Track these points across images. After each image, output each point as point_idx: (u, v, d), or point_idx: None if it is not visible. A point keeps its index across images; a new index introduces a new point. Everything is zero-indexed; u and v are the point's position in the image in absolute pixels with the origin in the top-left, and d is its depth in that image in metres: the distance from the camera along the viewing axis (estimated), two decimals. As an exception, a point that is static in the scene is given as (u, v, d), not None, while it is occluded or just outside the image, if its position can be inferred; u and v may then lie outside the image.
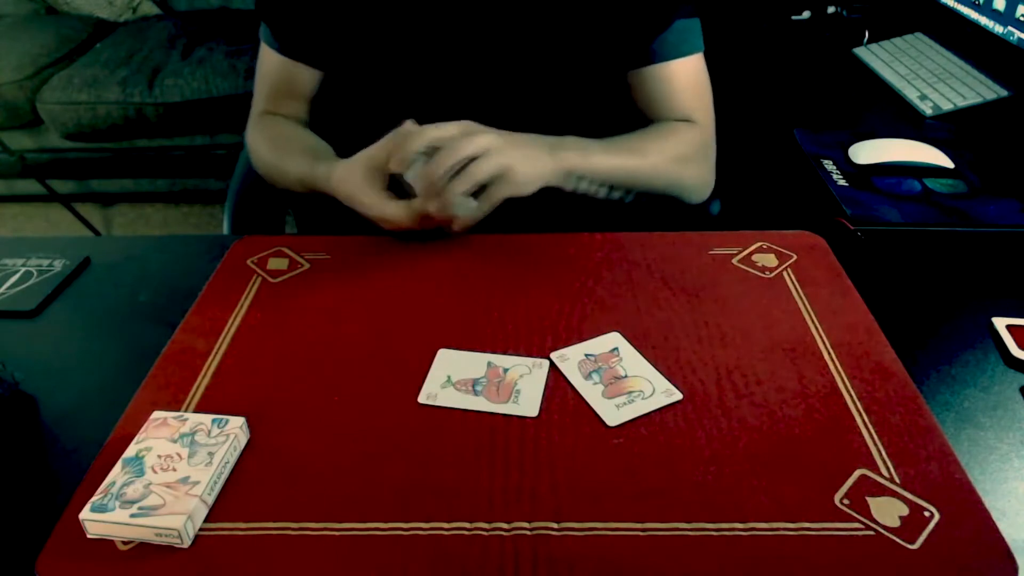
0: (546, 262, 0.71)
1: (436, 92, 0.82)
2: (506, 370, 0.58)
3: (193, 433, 0.51)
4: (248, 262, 0.72)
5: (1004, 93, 1.07)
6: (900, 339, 0.60)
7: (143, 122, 2.08)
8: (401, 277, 0.70)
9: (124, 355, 0.65)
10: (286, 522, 0.47)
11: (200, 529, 0.47)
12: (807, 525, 0.46)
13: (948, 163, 0.91)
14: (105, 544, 0.46)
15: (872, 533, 0.45)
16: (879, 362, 0.58)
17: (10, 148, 2.16)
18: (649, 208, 0.82)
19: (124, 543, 0.46)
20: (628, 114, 0.93)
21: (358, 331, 0.63)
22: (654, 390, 0.56)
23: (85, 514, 0.46)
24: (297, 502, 0.48)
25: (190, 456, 0.50)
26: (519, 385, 0.57)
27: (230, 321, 0.65)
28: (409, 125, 0.68)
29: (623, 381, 0.57)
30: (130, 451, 0.50)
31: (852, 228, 0.79)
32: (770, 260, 0.70)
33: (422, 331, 0.63)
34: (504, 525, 0.46)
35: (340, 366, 0.60)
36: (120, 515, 0.46)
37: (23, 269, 0.75)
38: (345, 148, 0.80)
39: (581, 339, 0.61)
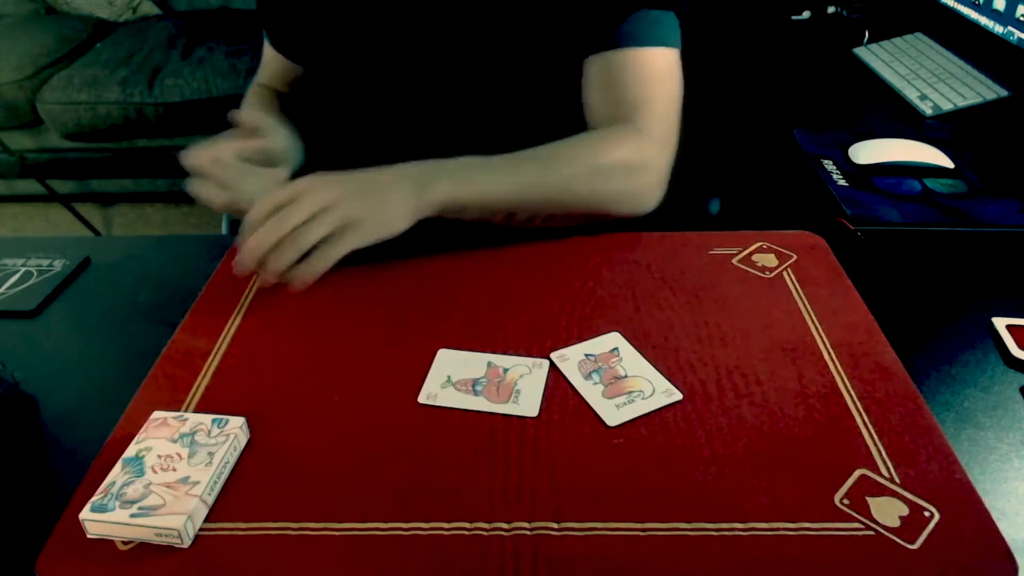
0: (546, 262, 0.71)
1: (410, 83, 0.83)
2: (506, 370, 0.58)
3: (193, 433, 0.51)
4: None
5: (1004, 93, 1.07)
6: (900, 339, 0.60)
7: (143, 122, 2.08)
8: (401, 277, 0.70)
9: (124, 355, 0.65)
10: (286, 522, 0.47)
11: (200, 529, 0.47)
12: (807, 525, 0.46)
13: (948, 163, 0.91)
14: (105, 544, 0.46)
15: (872, 533, 0.45)
16: (879, 362, 0.58)
17: (10, 148, 2.16)
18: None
19: (124, 543, 0.46)
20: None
21: (358, 331, 0.63)
22: (654, 390, 0.56)
23: (85, 514, 0.46)
24: (297, 502, 0.48)
25: (190, 456, 0.50)
26: (519, 385, 0.57)
27: (230, 321, 0.65)
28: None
29: (623, 381, 0.57)
30: (130, 451, 0.50)
31: (852, 228, 0.79)
32: (770, 260, 0.71)
33: (422, 331, 0.63)
34: (504, 525, 0.46)
35: (340, 366, 0.60)
36: (120, 515, 0.46)
37: (23, 269, 0.75)
38: (324, 142, 0.82)
39: (581, 339, 0.61)
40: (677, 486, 0.48)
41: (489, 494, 0.48)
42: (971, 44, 1.20)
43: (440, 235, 0.74)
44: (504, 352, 0.60)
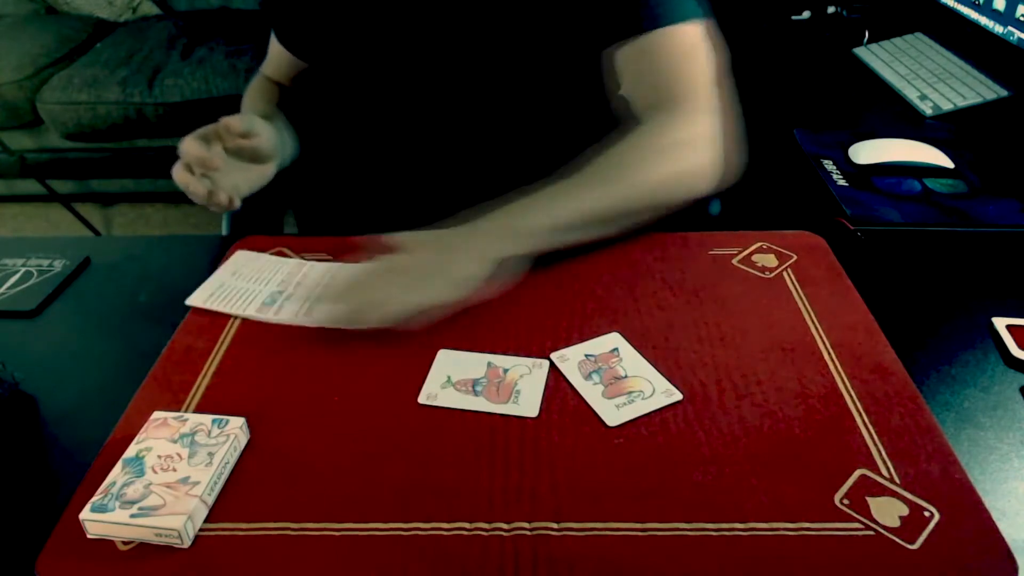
0: (546, 262, 0.71)
1: (418, 80, 0.83)
2: (506, 370, 0.58)
3: (193, 433, 0.51)
4: (248, 262, 0.72)
5: (1004, 93, 1.07)
6: (900, 339, 0.60)
7: (143, 122, 2.08)
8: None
9: (124, 355, 0.65)
10: (286, 522, 0.47)
11: (200, 529, 0.47)
12: (807, 525, 0.46)
13: (948, 163, 0.91)
14: (105, 544, 0.46)
15: (872, 533, 0.45)
16: (879, 362, 0.58)
17: (10, 148, 2.16)
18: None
19: (124, 543, 0.46)
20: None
21: (358, 331, 0.63)
22: (654, 390, 0.56)
23: (85, 514, 0.46)
24: (297, 502, 0.48)
25: (190, 456, 0.50)
26: (519, 385, 0.57)
27: (230, 321, 0.65)
28: None
29: (623, 381, 0.57)
30: (130, 451, 0.50)
31: (852, 228, 0.79)
32: (770, 260, 0.70)
33: (422, 331, 0.63)
34: (504, 525, 0.46)
35: (340, 366, 0.60)
36: (120, 515, 0.46)
37: (23, 269, 0.75)
38: (328, 136, 0.81)
39: (581, 339, 0.61)
40: (677, 486, 0.48)
41: (489, 494, 0.48)
42: (971, 44, 1.20)
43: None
44: (504, 352, 0.60)
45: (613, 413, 0.54)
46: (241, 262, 0.72)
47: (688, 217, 0.74)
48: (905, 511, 0.46)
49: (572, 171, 0.69)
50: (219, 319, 0.65)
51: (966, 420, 0.54)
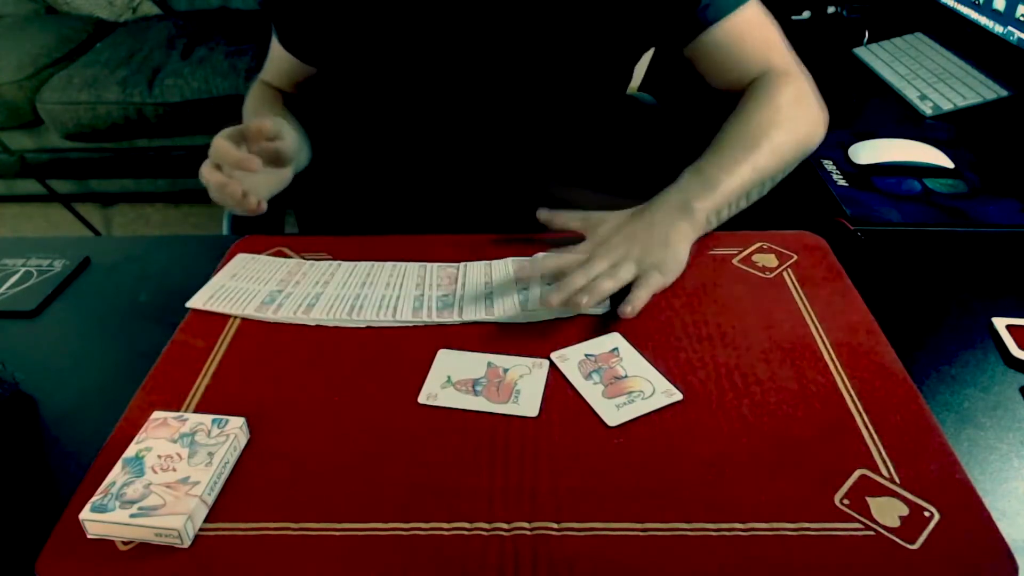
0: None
1: (446, 90, 0.82)
2: (506, 370, 0.58)
3: (193, 433, 0.51)
4: (248, 262, 0.72)
5: (1004, 93, 1.07)
6: (900, 339, 0.60)
7: (143, 122, 2.08)
8: (401, 277, 0.70)
9: (124, 355, 0.65)
10: (286, 522, 0.47)
11: (200, 529, 0.47)
12: (807, 525, 0.46)
13: (948, 163, 0.91)
14: (105, 544, 0.46)
15: (872, 533, 0.45)
16: (879, 362, 0.58)
17: (10, 148, 2.16)
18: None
19: (124, 543, 0.46)
20: (633, 111, 0.92)
21: (358, 331, 0.63)
22: (654, 390, 0.56)
23: (85, 514, 0.46)
24: (297, 502, 0.48)
25: (190, 456, 0.50)
26: (519, 385, 0.57)
27: (230, 321, 0.65)
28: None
29: (623, 381, 0.57)
30: (130, 451, 0.50)
31: (852, 228, 0.79)
32: (770, 260, 0.70)
33: (422, 331, 0.63)
34: (504, 525, 0.46)
35: (340, 366, 0.60)
36: (120, 515, 0.46)
37: (23, 269, 0.75)
38: (331, 138, 0.81)
39: (581, 339, 0.61)
40: (677, 486, 0.48)
41: (489, 494, 0.48)
42: (971, 44, 1.20)
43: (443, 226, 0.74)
44: (504, 352, 0.60)
45: (613, 413, 0.54)
46: (240, 264, 0.72)
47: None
48: (905, 511, 0.46)
49: (712, 145, 0.72)
50: (219, 319, 0.65)
51: (966, 420, 0.54)
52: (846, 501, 0.47)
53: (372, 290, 0.67)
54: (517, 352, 0.60)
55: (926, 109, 1.07)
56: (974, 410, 0.55)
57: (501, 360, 0.59)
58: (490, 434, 0.53)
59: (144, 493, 0.47)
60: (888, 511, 0.46)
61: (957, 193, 0.86)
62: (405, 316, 0.64)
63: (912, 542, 0.45)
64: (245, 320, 0.65)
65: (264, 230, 0.81)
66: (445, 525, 0.46)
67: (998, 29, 1.13)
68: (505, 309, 0.64)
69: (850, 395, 0.55)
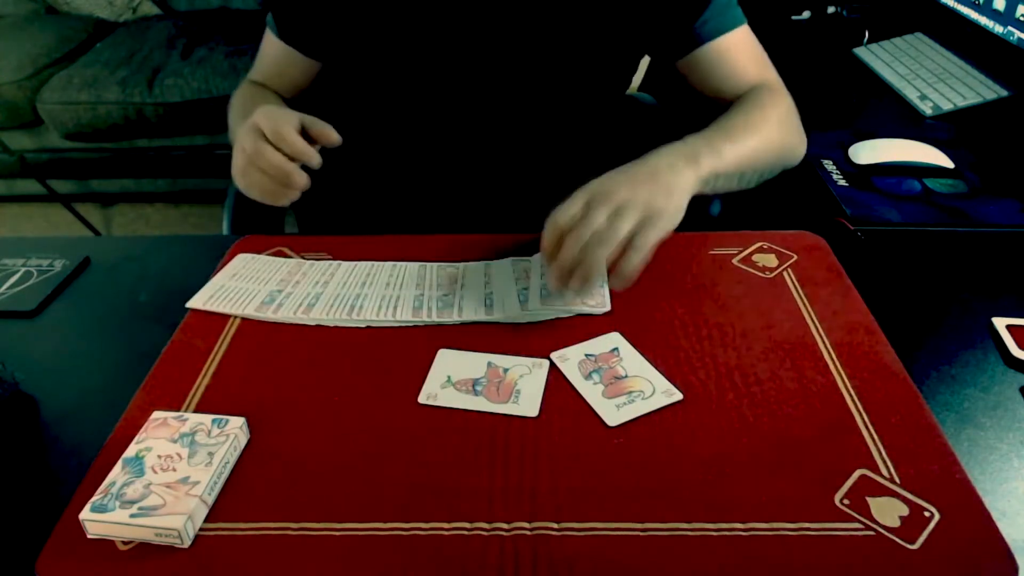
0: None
1: (447, 87, 0.81)
2: (506, 370, 0.58)
3: (193, 433, 0.51)
4: (248, 262, 0.72)
5: (1004, 93, 1.07)
6: (900, 339, 0.60)
7: (143, 122, 2.08)
8: (401, 277, 0.70)
9: (124, 355, 0.65)
10: (286, 522, 0.47)
11: (200, 529, 0.47)
12: (807, 525, 0.46)
13: (948, 163, 0.91)
14: (105, 544, 0.46)
15: (872, 533, 0.45)
16: (879, 362, 0.58)
17: (10, 148, 2.16)
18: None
19: (124, 543, 0.46)
20: (636, 115, 0.92)
21: (358, 331, 0.63)
22: (654, 390, 0.56)
23: (85, 514, 0.46)
24: (297, 502, 0.48)
25: (190, 456, 0.50)
26: (519, 385, 0.57)
27: (230, 321, 0.65)
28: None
29: (623, 381, 0.57)
30: (130, 451, 0.50)
31: (852, 228, 0.79)
32: (770, 260, 0.70)
33: (422, 331, 0.63)
34: (504, 525, 0.46)
35: (340, 366, 0.60)
36: (120, 515, 0.46)
37: (23, 269, 0.75)
38: (339, 145, 0.80)
39: (581, 339, 0.61)
40: (677, 486, 0.48)
41: (489, 494, 0.48)
42: (971, 44, 1.20)
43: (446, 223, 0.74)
44: (504, 352, 0.60)
45: (613, 413, 0.54)
46: (240, 264, 0.72)
47: (688, 217, 0.74)
48: (905, 511, 0.46)
49: (715, 123, 0.72)
50: (219, 319, 0.65)
51: (966, 420, 0.54)
52: (846, 501, 0.47)
53: (372, 290, 0.67)
54: (517, 352, 0.60)
55: (926, 109, 1.07)
56: (974, 410, 0.55)
57: (501, 360, 0.59)
58: (490, 434, 0.53)
59: (144, 493, 0.47)
60: (888, 511, 0.46)
61: (957, 193, 0.86)
62: (405, 316, 0.64)
63: (912, 542, 0.45)
64: (245, 320, 0.65)
65: (264, 230, 0.81)
66: (445, 525, 0.46)
67: (998, 29, 1.13)
68: (505, 309, 0.64)
69: (850, 395, 0.55)
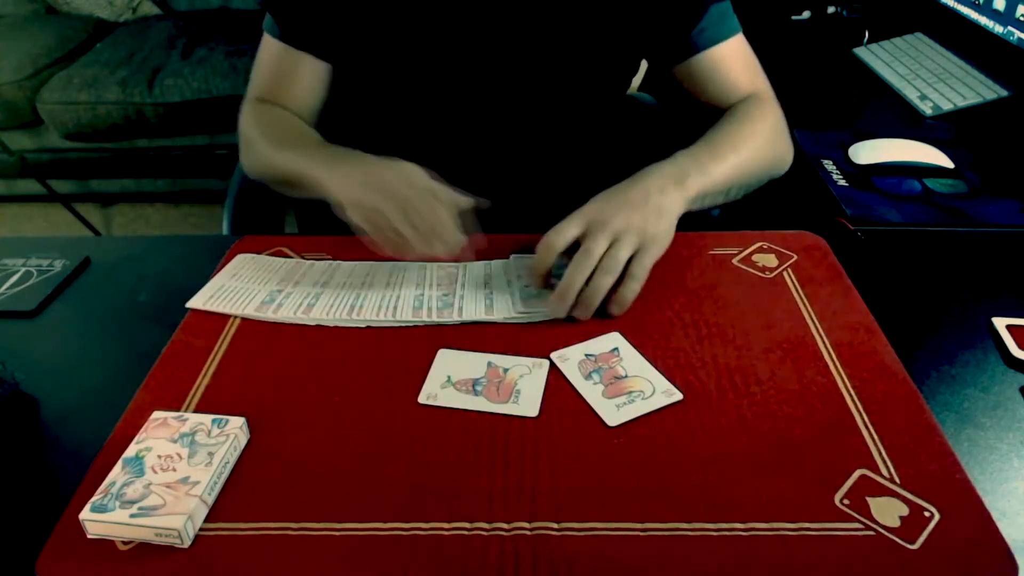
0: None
1: (449, 87, 0.81)
2: (506, 370, 0.58)
3: (193, 433, 0.51)
4: (248, 262, 0.72)
5: (1004, 93, 1.07)
6: (900, 339, 0.60)
7: (143, 122, 2.08)
8: (401, 277, 0.70)
9: (124, 355, 0.65)
10: (286, 522, 0.47)
11: (200, 529, 0.47)
12: (807, 525, 0.46)
13: (948, 163, 0.91)
14: (105, 544, 0.46)
15: (872, 533, 0.45)
16: (879, 362, 0.58)
17: (10, 148, 2.16)
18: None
19: (124, 543, 0.46)
20: (640, 117, 0.92)
21: (358, 331, 0.63)
22: (654, 390, 0.56)
23: (85, 514, 0.46)
24: (297, 502, 0.48)
25: (190, 456, 0.50)
26: (519, 385, 0.57)
27: (230, 321, 0.65)
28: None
29: (623, 381, 0.57)
30: (130, 451, 0.50)
31: (852, 228, 0.79)
32: (770, 260, 0.70)
33: (422, 331, 0.63)
34: (504, 525, 0.46)
35: (340, 366, 0.60)
36: (120, 515, 0.46)
37: (23, 269, 0.75)
38: (332, 138, 0.80)
39: (581, 339, 0.61)
40: (677, 486, 0.48)
41: (489, 494, 0.48)
42: (971, 44, 1.20)
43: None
44: (504, 352, 0.60)
45: (613, 413, 0.54)
46: (240, 264, 0.72)
47: (688, 217, 0.74)
48: (905, 511, 0.46)
49: (703, 138, 0.74)
50: (219, 319, 0.65)
51: (966, 420, 0.54)
52: (846, 501, 0.47)
53: (372, 290, 0.67)
54: (517, 352, 0.60)
55: (926, 109, 1.07)
56: (974, 410, 0.55)
57: (501, 360, 0.59)
58: (490, 434, 0.53)
59: (144, 493, 0.47)
60: (888, 511, 0.46)
61: (957, 193, 0.86)
62: (405, 316, 0.64)
63: (912, 542, 0.45)
64: (245, 320, 0.65)
65: (264, 230, 0.81)
66: (445, 525, 0.46)
67: (998, 29, 1.13)
68: (505, 309, 0.64)
69: (850, 395, 0.55)
